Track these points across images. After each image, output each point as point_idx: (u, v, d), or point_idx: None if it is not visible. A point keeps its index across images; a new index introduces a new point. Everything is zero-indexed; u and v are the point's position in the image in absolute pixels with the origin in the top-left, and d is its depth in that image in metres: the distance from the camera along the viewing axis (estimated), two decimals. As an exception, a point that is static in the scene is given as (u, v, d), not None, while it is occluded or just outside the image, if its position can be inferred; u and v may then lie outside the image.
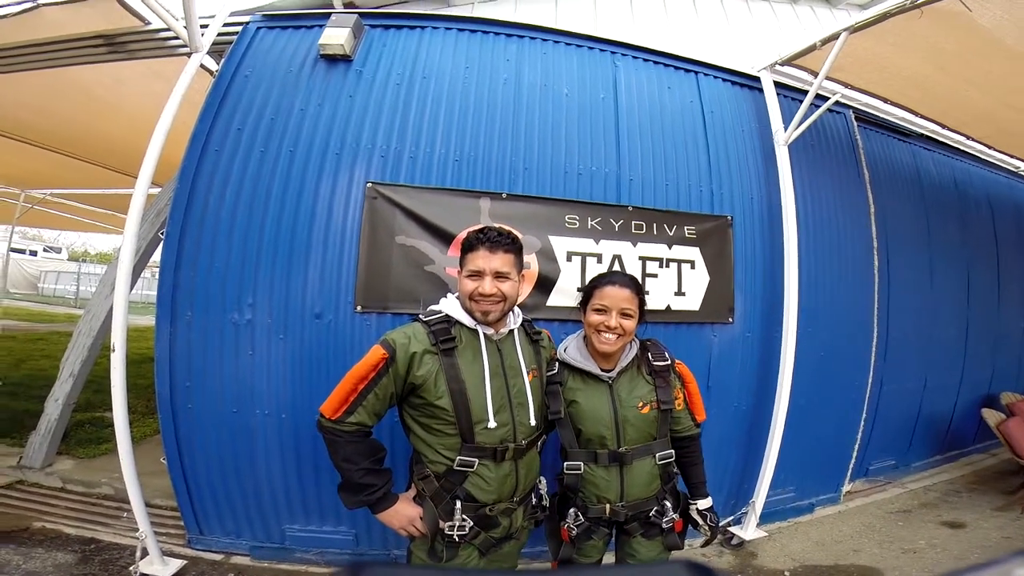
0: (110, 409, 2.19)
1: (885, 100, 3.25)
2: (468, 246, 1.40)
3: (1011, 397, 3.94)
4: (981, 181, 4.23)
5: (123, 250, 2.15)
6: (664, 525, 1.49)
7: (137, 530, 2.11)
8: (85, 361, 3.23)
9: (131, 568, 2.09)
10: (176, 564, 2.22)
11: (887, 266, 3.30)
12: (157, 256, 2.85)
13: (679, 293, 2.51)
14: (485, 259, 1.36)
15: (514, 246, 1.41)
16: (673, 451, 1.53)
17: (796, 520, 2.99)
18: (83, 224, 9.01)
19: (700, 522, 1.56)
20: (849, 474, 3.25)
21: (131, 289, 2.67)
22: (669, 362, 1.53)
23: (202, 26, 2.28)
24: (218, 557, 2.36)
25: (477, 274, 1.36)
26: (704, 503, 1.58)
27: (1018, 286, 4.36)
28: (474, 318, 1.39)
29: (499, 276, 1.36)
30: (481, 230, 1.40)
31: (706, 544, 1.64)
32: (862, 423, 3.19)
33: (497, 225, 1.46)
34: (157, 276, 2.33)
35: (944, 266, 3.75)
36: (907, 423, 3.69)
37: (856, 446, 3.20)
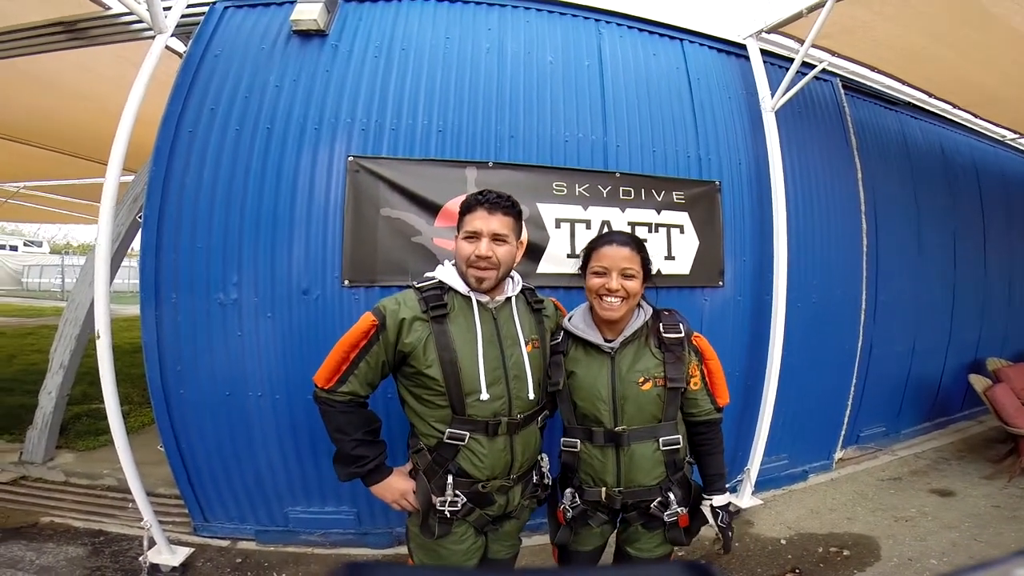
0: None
1: (872, 68, 3.25)
2: (466, 208, 1.36)
3: (997, 363, 3.98)
4: (967, 149, 4.25)
5: (100, 234, 2.09)
6: (666, 519, 1.34)
7: (142, 520, 2.10)
8: (74, 351, 3.20)
9: (140, 559, 2.09)
10: (184, 552, 2.21)
11: (875, 230, 3.32)
12: (138, 243, 2.81)
13: (669, 257, 2.51)
14: (483, 220, 1.31)
15: (513, 209, 1.36)
16: (681, 437, 1.36)
17: (790, 488, 3.03)
18: (62, 216, 8.88)
19: (711, 521, 1.38)
20: (841, 441, 3.30)
21: (114, 277, 2.62)
22: (683, 334, 1.35)
23: (165, 8, 2.21)
24: (224, 543, 2.37)
25: (474, 235, 1.32)
26: (720, 499, 1.38)
27: (1003, 253, 4.41)
28: (468, 284, 1.35)
29: (496, 238, 1.32)
30: (480, 192, 1.36)
31: (725, 551, 1.42)
32: (852, 388, 3.23)
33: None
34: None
35: (931, 231, 3.77)
36: (896, 389, 3.74)
37: (847, 412, 3.24)
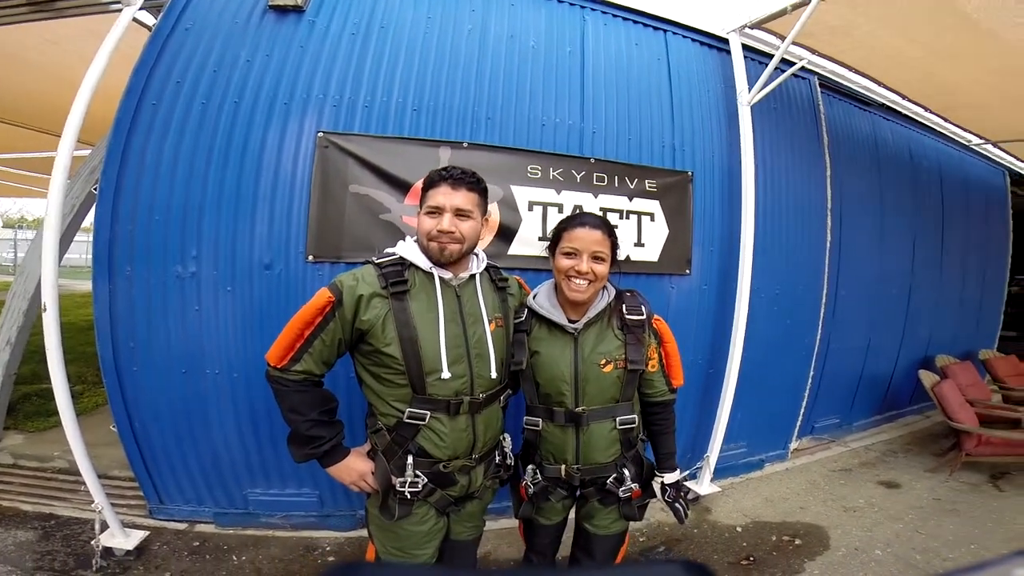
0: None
1: (851, 68, 3.29)
2: (429, 183, 1.33)
3: (945, 360, 4.18)
4: (935, 153, 4.39)
5: (50, 203, 1.97)
6: (621, 494, 1.40)
7: (93, 503, 2.02)
8: (22, 327, 3.03)
9: (92, 542, 2.01)
10: (139, 535, 2.14)
11: (840, 228, 3.42)
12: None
13: (638, 244, 2.54)
14: (446, 195, 1.28)
15: (478, 185, 1.34)
16: (637, 417, 1.41)
17: (748, 476, 3.14)
18: (17, 190, 8.37)
19: (658, 496, 1.44)
20: (797, 431, 3.42)
21: (67, 251, 2.47)
22: (644, 316, 1.37)
23: (135, -20, 2.08)
24: (182, 526, 2.31)
25: (437, 210, 1.29)
26: (670, 477, 1.44)
27: (958, 255, 4.61)
28: (431, 259, 1.31)
29: (460, 214, 1.29)
30: (444, 168, 1.33)
31: (679, 523, 1.47)
32: (810, 380, 3.35)
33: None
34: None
35: (893, 232, 3.91)
36: (851, 382, 3.90)
37: (804, 403, 3.36)
